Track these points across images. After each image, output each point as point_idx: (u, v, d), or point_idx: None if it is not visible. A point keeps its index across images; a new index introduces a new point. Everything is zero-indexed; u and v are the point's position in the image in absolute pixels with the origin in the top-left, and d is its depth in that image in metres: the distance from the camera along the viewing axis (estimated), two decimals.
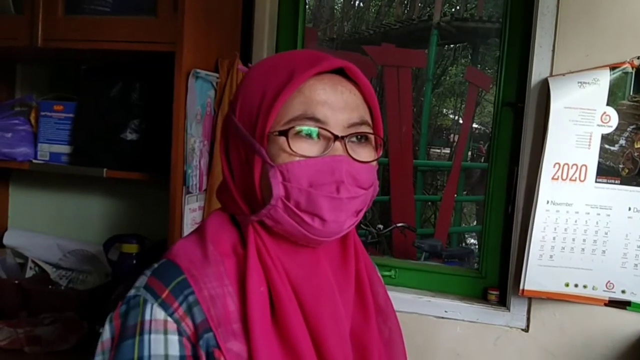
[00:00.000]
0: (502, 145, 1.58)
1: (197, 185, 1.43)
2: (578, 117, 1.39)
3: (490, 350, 1.51)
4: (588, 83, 1.39)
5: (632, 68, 1.38)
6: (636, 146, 1.38)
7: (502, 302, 1.56)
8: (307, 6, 1.84)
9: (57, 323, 1.53)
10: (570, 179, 1.40)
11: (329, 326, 0.70)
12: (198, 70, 1.38)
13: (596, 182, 1.40)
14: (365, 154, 0.71)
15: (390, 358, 0.80)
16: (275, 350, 0.67)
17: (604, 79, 1.39)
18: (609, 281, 1.40)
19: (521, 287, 1.43)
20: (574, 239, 1.41)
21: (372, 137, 0.72)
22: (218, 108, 1.49)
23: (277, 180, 0.67)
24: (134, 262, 1.57)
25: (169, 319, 0.65)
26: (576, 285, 1.41)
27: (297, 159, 0.67)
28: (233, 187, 0.73)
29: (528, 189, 1.47)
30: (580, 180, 1.40)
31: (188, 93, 1.35)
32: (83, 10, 1.46)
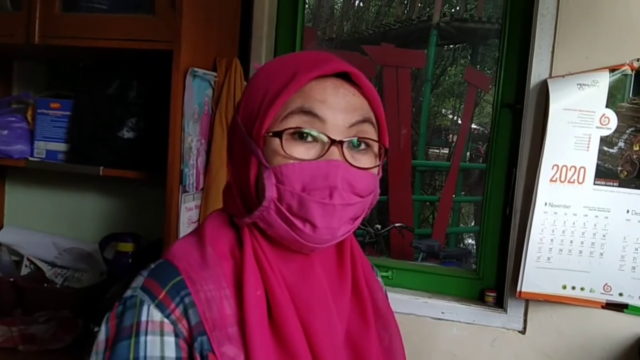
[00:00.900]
0: (500, 147, 1.58)
1: (194, 184, 1.43)
2: (577, 119, 1.39)
3: (487, 352, 1.51)
4: (587, 85, 1.39)
5: (632, 70, 1.37)
6: (635, 148, 1.38)
7: (499, 304, 1.56)
8: (306, 5, 1.84)
9: (52, 321, 1.53)
10: (569, 181, 1.40)
11: (321, 333, 0.69)
12: (196, 69, 1.37)
13: (594, 184, 1.39)
14: (365, 160, 0.69)
15: None
16: (272, 354, 0.66)
17: (603, 81, 1.38)
18: (606, 284, 1.39)
19: (518, 289, 1.42)
20: (571, 241, 1.40)
21: (374, 144, 0.70)
22: (216, 107, 1.48)
23: (271, 182, 0.66)
24: (130, 260, 1.57)
25: (165, 320, 0.64)
26: (573, 288, 1.40)
27: (292, 161, 0.65)
28: (234, 186, 0.73)
29: (526, 190, 1.47)
30: (579, 183, 1.39)
31: (186, 92, 1.35)
32: (80, 8, 1.45)
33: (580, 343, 1.45)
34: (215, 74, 1.48)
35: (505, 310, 1.51)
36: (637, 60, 1.38)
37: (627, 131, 1.38)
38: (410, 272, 1.68)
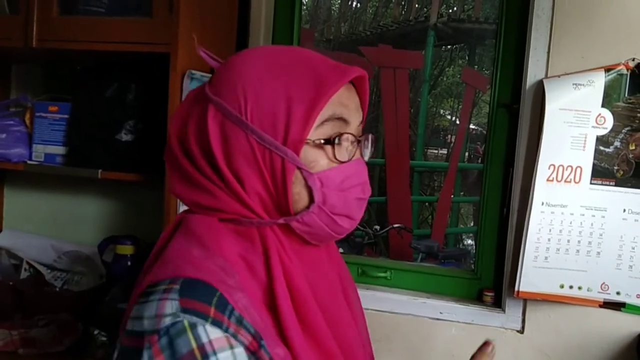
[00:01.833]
0: (497, 147, 1.58)
1: None
2: (573, 119, 1.39)
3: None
4: (583, 85, 1.39)
5: (627, 70, 1.38)
6: (631, 148, 1.38)
7: (498, 304, 1.56)
8: (303, 7, 1.84)
9: (52, 325, 1.53)
10: (565, 181, 1.40)
11: (344, 319, 0.74)
12: (193, 72, 1.38)
13: (591, 183, 1.40)
14: (366, 152, 0.77)
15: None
16: (310, 352, 0.67)
17: (599, 80, 1.39)
18: (603, 283, 1.40)
19: (516, 289, 1.43)
20: (568, 241, 1.41)
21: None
22: None
23: (317, 188, 0.68)
24: (129, 263, 1.57)
25: (227, 334, 0.60)
26: (571, 287, 1.41)
27: (335, 165, 0.70)
28: (243, 193, 0.68)
29: (523, 190, 1.47)
30: (575, 182, 1.40)
31: (183, 94, 1.35)
32: (78, 11, 1.46)
33: (578, 342, 1.46)
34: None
35: (504, 310, 1.52)
36: (633, 60, 1.38)
37: (623, 130, 1.39)
38: (408, 273, 1.69)
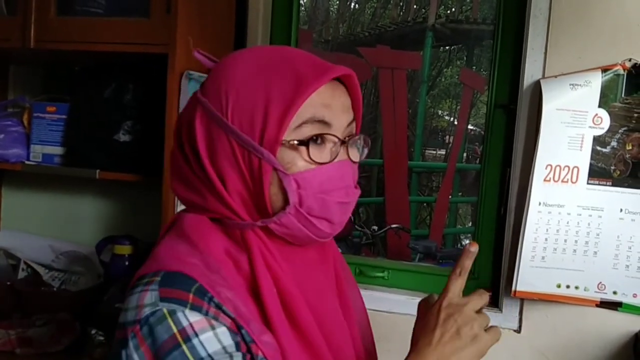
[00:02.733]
0: (494, 147, 1.58)
1: None
2: (570, 119, 1.40)
3: None
4: (580, 85, 1.40)
5: (624, 70, 1.39)
6: (627, 148, 1.39)
7: (495, 303, 1.56)
8: (302, 8, 1.84)
9: (50, 324, 1.53)
10: (562, 181, 1.41)
11: (333, 320, 0.73)
12: (191, 72, 1.38)
13: (588, 183, 1.40)
14: (356, 154, 0.73)
15: (366, 350, 0.84)
16: (297, 346, 0.67)
17: (596, 81, 1.39)
18: (600, 282, 1.40)
19: (513, 288, 1.43)
20: (565, 240, 1.41)
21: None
22: None
23: (292, 189, 0.67)
24: (127, 263, 1.57)
25: (207, 317, 0.62)
26: (568, 287, 1.41)
27: (313, 166, 0.68)
28: (225, 194, 0.69)
29: (520, 190, 1.48)
30: (572, 182, 1.40)
31: (181, 95, 1.36)
32: (76, 12, 1.46)
33: (575, 341, 1.46)
34: None
35: (501, 310, 1.52)
36: (629, 60, 1.39)
37: (620, 131, 1.39)
38: (406, 273, 1.69)
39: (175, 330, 0.60)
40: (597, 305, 1.41)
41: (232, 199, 0.69)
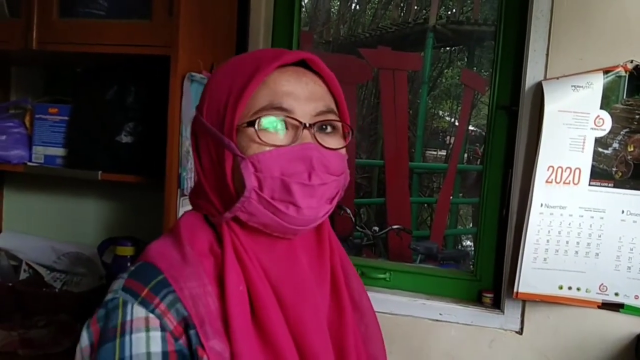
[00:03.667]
0: (496, 149, 1.59)
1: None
2: (572, 121, 1.40)
3: (485, 353, 1.52)
4: (582, 87, 1.40)
5: (626, 72, 1.39)
6: (629, 149, 1.39)
7: (497, 305, 1.56)
8: (303, 9, 1.84)
9: (51, 326, 1.53)
10: (564, 182, 1.41)
11: (309, 320, 0.70)
12: (193, 74, 1.38)
13: (590, 185, 1.40)
14: (334, 142, 0.72)
15: (369, 355, 0.80)
16: (257, 349, 0.66)
17: (598, 82, 1.39)
18: (602, 284, 1.40)
19: (515, 290, 1.43)
20: (567, 242, 1.41)
21: (339, 125, 0.74)
22: None
23: (249, 172, 0.68)
24: (129, 264, 1.57)
25: (150, 315, 0.64)
26: (570, 288, 1.41)
27: (268, 148, 0.68)
28: (206, 186, 0.73)
29: (522, 191, 1.48)
30: (574, 184, 1.40)
31: (183, 96, 1.36)
32: (78, 14, 1.46)
33: (577, 343, 1.46)
34: None
35: (503, 311, 1.52)
36: (631, 62, 1.39)
37: (622, 132, 1.39)
38: (408, 274, 1.69)
39: (120, 321, 0.64)
40: (599, 307, 1.41)
41: (212, 194, 0.73)
